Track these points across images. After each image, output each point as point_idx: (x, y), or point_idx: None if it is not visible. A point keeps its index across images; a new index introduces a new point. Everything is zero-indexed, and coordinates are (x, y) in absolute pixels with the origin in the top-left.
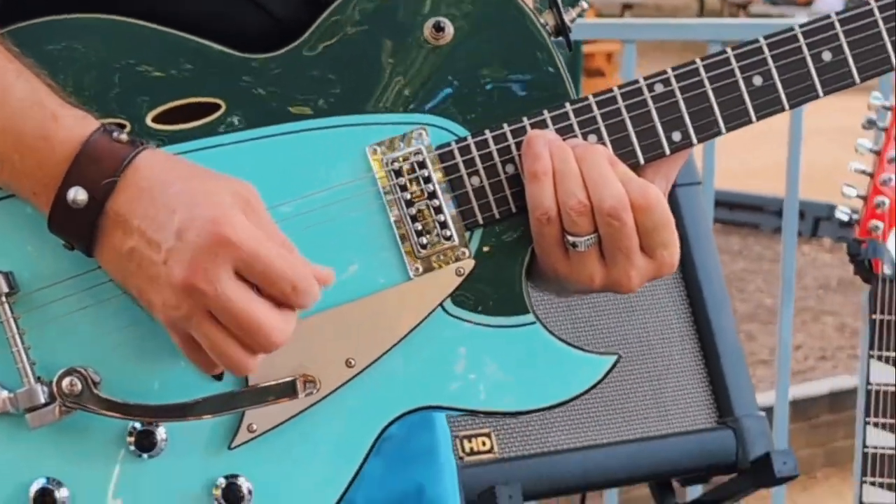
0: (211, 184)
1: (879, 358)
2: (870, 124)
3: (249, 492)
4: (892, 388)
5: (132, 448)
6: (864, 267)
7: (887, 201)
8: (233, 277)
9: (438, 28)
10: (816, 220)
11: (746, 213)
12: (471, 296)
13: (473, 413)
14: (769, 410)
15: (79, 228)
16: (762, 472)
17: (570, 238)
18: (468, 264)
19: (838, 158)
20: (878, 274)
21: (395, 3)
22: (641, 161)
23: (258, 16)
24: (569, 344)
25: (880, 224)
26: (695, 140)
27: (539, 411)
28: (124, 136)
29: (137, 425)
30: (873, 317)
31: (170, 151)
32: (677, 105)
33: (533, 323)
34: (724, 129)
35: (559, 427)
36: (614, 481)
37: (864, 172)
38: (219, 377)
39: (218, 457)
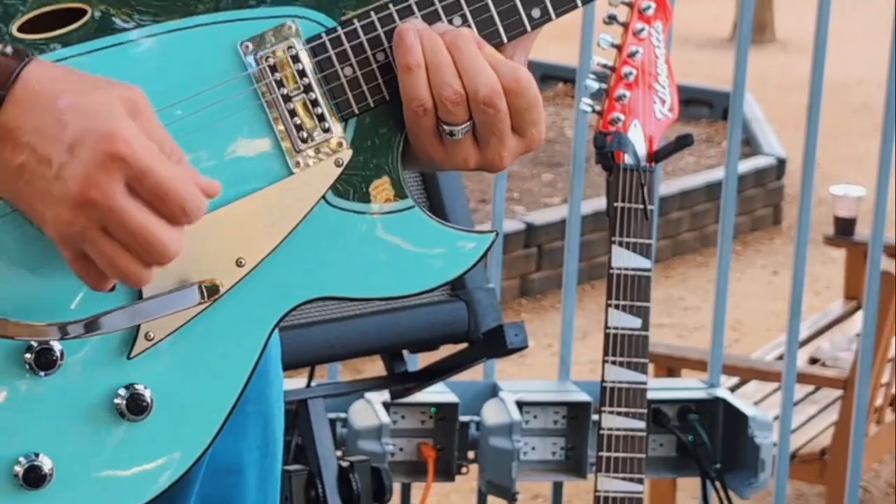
0: (101, 95)
1: (620, 244)
2: (610, 19)
3: (152, 400)
4: (632, 272)
5: (30, 367)
6: (607, 157)
7: (628, 94)
8: (126, 192)
9: None
10: None
11: None
12: (351, 185)
13: (366, 300)
14: None
15: None
16: (494, 343)
17: (447, 127)
18: (346, 154)
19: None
20: (619, 164)
21: None
22: (505, 40)
23: None
24: (448, 224)
25: (621, 116)
26: (553, 15)
27: (431, 291)
28: (10, 49)
29: (34, 344)
30: (616, 205)
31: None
32: None
33: (412, 207)
34: (579, 3)
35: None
36: (355, 352)
37: (606, 66)
38: (111, 290)
39: (117, 368)
